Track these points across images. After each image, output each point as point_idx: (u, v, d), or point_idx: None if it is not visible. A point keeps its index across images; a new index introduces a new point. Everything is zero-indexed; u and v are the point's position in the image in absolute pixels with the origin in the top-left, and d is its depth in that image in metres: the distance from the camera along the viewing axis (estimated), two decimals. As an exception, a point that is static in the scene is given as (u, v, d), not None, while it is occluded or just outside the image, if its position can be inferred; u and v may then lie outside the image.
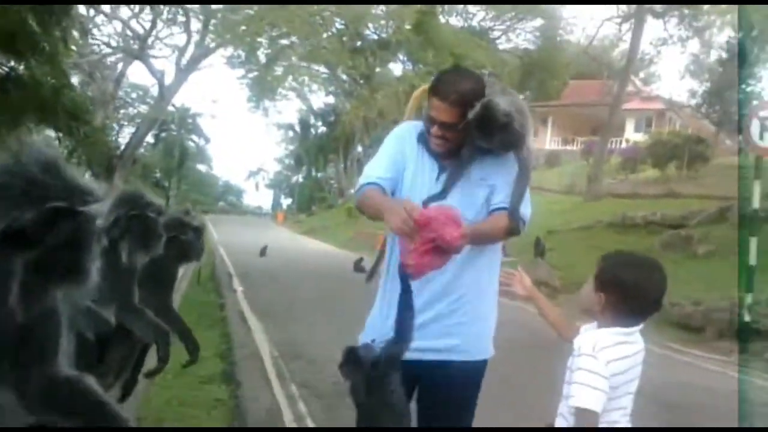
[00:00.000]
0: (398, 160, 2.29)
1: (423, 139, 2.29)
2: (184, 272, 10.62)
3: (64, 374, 1.44)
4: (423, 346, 2.21)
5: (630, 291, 1.96)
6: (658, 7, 25.44)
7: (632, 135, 32.17)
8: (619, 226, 16.46)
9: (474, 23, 36.27)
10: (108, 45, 27.98)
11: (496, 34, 37.12)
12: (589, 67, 33.66)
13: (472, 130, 2.14)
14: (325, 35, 31.93)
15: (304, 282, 12.81)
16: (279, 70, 33.61)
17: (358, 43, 33.23)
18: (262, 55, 31.99)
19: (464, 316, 2.26)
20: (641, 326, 2.01)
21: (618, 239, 14.60)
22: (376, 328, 2.32)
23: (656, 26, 27.73)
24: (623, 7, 27.98)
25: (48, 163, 1.31)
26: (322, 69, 35.68)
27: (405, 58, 35.77)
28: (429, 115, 2.21)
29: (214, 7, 27.94)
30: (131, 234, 2.69)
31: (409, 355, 2.17)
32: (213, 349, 6.20)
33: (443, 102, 2.15)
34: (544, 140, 35.14)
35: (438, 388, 2.26)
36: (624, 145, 30.01)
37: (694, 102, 26.76)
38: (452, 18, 36.05)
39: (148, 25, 27.32)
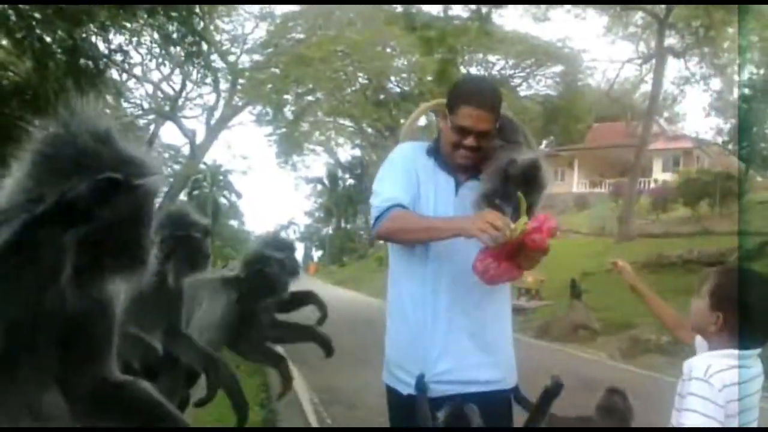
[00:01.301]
0: (412, 180, 2.17)
1: (433, 155, 2.22)
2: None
3: (118, 376, 1.31)
4: (465, 378, 2.14)
5: (754, 311, 1.77)
6: (678, 47, 25.63)
7: (660, 175, 32.01)
8: (654, 265, 16.23)
9: (494, 72, 36.81)
10: (140, 107, 28.98)
11: (517, 81, 37.58)
12: (611, 109, 33.78)
13: (509, 181, 2.07)
14: (349, 90, 32.75)
15: (338, 330, 12.70)
16: (306, 126, 34.48)
17: (382, 96, 33.89)
18: (288, 112, 32.90)
19: (497, 340, 2.21)
20: (760, 350, 1.82)
21: (655, 279, 14.35)
22: (419, 358, 2.15)
23: (677, 66, 27.86)
24: (643, 49, 28.25)
25: (100, 133, 1.18)
26: (348, 123, 36.41)
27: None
28: (460, 126, 2.09)
29: (240, 66, 28.91)
30: (177, 255, 2.55)
31: (450, 389, 2.12)
32: (253, 398, 6.24)
33: (481, 110, 2.07)
34: (572, 184, 35.09)
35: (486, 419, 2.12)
36: (653, 185, 29.83)
37: (721, 139, 26.64)
38: (472, 68, 36.67)
39: (178, 87, 28.31)
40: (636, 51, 28.76)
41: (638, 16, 26.99)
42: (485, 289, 2.10)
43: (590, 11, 27.04)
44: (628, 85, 34.53)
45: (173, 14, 11.16)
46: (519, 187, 2.03)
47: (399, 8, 31.97)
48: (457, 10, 26.23)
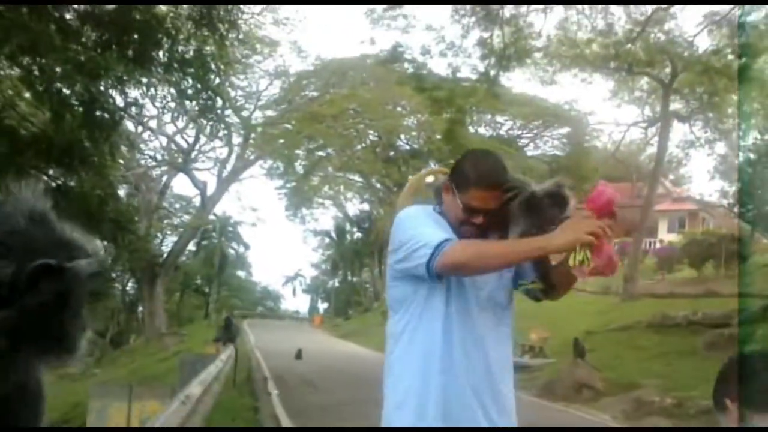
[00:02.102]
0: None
1: (444, 218, 2.19)
2: (217, 375, 10.74)
3: None
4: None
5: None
6: (683, 112, 26.08)
7: (666, 235, 32.06)
8: (658, 326, 16.14)
9: (502, 132, 37.39)
10: (154, 158, 29.56)
11: (524, 141, 38.09)
12: (617, 170, 34.09)
13: (535, 210, 2.08)
14: (359, 147, 33.32)
15: (340, 385, 12.76)
16: (316, 180, 34.95)
17: (391, 153, 34.41)
18: (299, 166, 33.45)
19: (507, 390, 2.20)
20: None
21: (659, 340, 14.31)
22: (423, 414, 2.08)
23: (683, 130, 28.38)
24: (648, 112, 28.76)
25: (35, 215, 1.13)
26: (357, 178, 36.89)
27: (436, 166, 36.77)
28: (470, 207, 2.08)
29: (254, 122, 29.60)
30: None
31: None
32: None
33: (493, 191, 2.08)
34: (578, 242, 35.11)
35: None
36: (658, 245, 29.86)
37: (726, 202, 26.80)
38: (481, 128, 37.28)
39: (191, 140, 28.95)
40: (642, 115, 29.32)
41: (644, 81, 27.57)
42: (497, 345, 2.15)
43: (596, 76, 27.65)
44: (634, 147, 34.95)
45: (189, 70, 11.55)
46: (549, 211, 2.05)
47: (410, 69, 32.80)
48: (466, 72, 26.86)
